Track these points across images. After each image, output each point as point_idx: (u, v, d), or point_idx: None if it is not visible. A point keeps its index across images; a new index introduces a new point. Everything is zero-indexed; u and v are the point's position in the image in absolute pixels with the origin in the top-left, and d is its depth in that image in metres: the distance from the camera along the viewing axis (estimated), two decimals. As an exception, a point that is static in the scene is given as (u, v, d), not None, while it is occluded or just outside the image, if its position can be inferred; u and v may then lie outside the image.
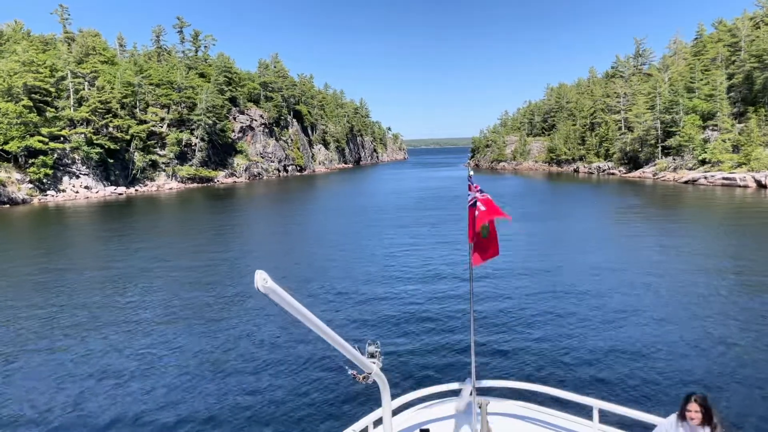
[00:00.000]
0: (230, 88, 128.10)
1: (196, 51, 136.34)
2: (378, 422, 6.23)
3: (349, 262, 30.59)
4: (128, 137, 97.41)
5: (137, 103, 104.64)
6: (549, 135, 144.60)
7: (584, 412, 6.99)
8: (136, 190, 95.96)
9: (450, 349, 16.78)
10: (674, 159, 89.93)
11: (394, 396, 6.12)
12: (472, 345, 7.05)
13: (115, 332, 19.28)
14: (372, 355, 5.02)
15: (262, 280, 3.38)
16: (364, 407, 11.85)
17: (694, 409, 5.61)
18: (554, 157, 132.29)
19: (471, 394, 6.95)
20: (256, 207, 71.23)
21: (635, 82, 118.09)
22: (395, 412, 6.71)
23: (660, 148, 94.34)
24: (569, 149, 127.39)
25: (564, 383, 13.44)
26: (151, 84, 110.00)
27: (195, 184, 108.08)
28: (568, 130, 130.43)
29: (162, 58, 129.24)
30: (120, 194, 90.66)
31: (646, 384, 13.91)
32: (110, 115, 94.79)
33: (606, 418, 6.73)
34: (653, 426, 6.13)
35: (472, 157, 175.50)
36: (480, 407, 6.63)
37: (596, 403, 6.68)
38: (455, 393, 7.47)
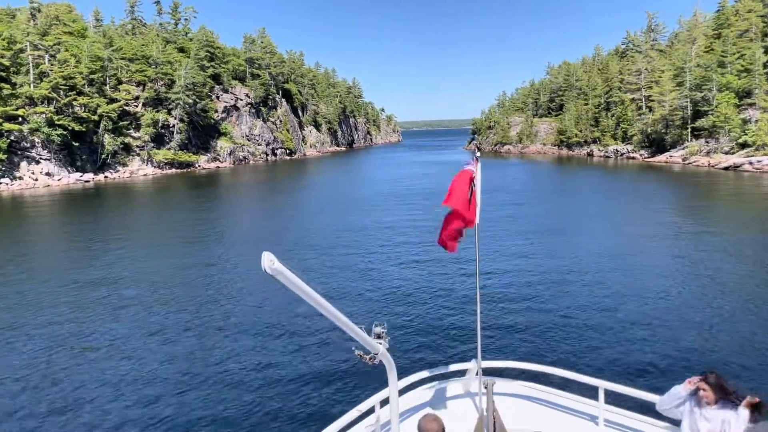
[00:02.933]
0: (213, 64, 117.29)
1: (176, 24, 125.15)
2: (384, 402, 6.20)
3: (351, 256, 28.33)
4: (96, 117, 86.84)
5: (107, 80, 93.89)
6: (557, 116, 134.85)
7: (590, 392, 6.78)
8: (106, 177, 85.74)
9: (456, 330, 16.93)
10: (707, 142, 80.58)
11: (400, 376, 5.93)
12: (478, 325, 7.12)
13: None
14: (378, 336, 4.90)
15: (269, 261, 3.31)
16: (371, 387, 11.48)
17: (704, 388, 5.31)
18: (564, 139, 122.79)
19: (477, 374, 7.03)
20: (242, 196, 62.84)
21: (654, 57, 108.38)
22: (402, 392, 6.70)
23: (689, 130, 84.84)
24: (581, 131, 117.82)
25: (570, 364, 13.35)
26: (123, 59, 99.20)
27: (173, 170, 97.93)
28: (579, 111, 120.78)
29: (137, 31, 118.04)
30: (87, 182, 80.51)
31: (653, 365, 13.90)
32: (74, 92, 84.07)
33: (612, 398, 6.59)
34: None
35: (473, 139, 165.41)
36: (486, 387, 6.29)
37: (602, 384, 6.48)
38: (461, 373, 7.48)
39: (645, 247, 27.85)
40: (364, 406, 6.46)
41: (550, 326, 16.97)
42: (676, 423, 5.84)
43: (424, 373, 7.21)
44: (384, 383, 5.74)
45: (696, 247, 27.44)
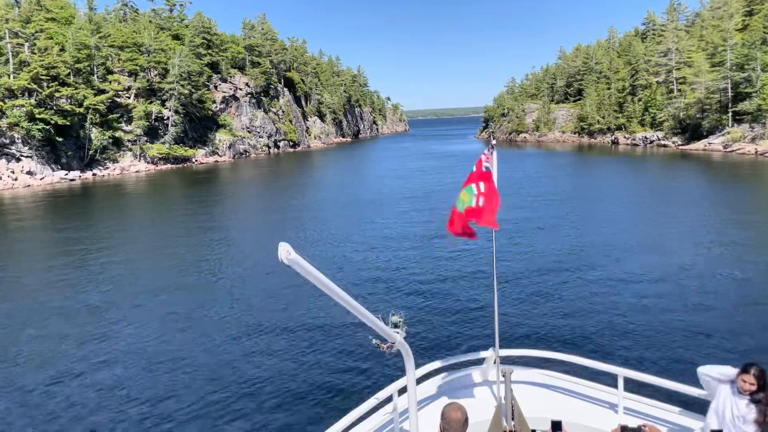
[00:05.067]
0: (209, 51, 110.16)
1: (171, 10, 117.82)
2: (402, 390, 6.02)
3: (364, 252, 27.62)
4: (82, 110, 79.93)
5: (94, 70, 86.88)
6: (576, 101, 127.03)
7: (609, 380, 6.62)
8: (94, 175, 78.96)
9: (473, 319, 16.99)
10: (752, 127, 73.02)
11: (418, 365, 5.94)
12: (495, 314, 7.04)
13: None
14: (396, 325, 4.91)
15: (285, 252, 3.27)
16: (389, 376, 12.04)
17: (749, 381, 5.20)
18: (585, 126, 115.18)
19: (495, 362, 6.94)
20: (243, 195, 56.87)
21: (682, 37, 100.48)
22: (419, 381, 6.68)
23: (730, 114, 77.24)
24: (603, 117, 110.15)
25: (589, 351, 13.44)
26: (112, 47, 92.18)
27: (168, 166, 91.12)
28: (601, 96, 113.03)
29: (129, 18, 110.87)
30: (72, 180, 73.91)
31: (673, 353, 13.89)
32: (57, 83, 77.14)
33: (631, 386, 6.44)
34: (680, 395, 6.06)
35: (485, 128, 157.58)
36: (504, 376, 6.33)
37: (621, 372, 6.33)
38: (479, 362, 7.47)
39: (675, 238, 26.96)
40: (382, 395, 6.39)
41: (568, 314, 17.09)
42: (698, 410, 5.85)
43: (442, 362, 7.10)
44: (402, 372, 5.73)
45: (744, 239, 26.07)
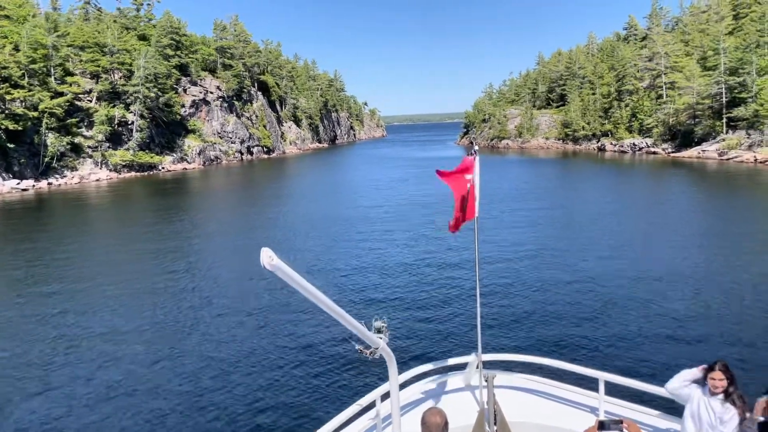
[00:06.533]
0: (178, 53, 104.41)
1: (138, 10, 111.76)
2: (385, 396, 6.02)
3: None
4: (37, 114, 73.84)
5: (51, 71, 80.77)
6: (559, 107, 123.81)
7: (591, 384, 6.67)
8: (50, 184, 72.87)
9: (456, 324, 17.03)
10: (748, 134, 69.91)
11: (401, 370, 5.80)
12: (478, 319, 7.19)
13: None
14: (379, 330, 4.86)
15: (268, 257, 3.24)
16: (372, 382, 11.95)
17: (719, 378, 5.21)
18: (570, 132, 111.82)
19: (477, 367, 6.97)
20: (213, 206, 52.10)
21: (669, 41, 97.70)
22: (402, 386, 6.72)
23: (724, 120, 74.13)
24: (589, 123, 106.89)
25: (571, 356, 13.60)
26: (71, 46, 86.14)
27: (132, 174, 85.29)
28: (586, 101, 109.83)
29: (92, 17, 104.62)
30: (25, 190, 67.94)
31: (654, 357, 14.09)
32: (7, 84, 70.99)
33: (612, 390, 6.51)
34: (660, 398, 6.04)
35: (466, 133, 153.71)
36: (486, 380, 6.35)
37: (602, 375, 6.44)
38: (462, 366, 7.39)
39: (665, 245, 27.23)
40: (364, 401, 6.37)
41: (550, 319, 17.19)
42: (677, 413, 5.85)
43: (425, 367, 7.19)
44: (384, 377, 5.60)
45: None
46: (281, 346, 15.96)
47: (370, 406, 6.33)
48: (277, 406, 12.35)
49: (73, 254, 30.76)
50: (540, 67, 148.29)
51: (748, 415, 5.04)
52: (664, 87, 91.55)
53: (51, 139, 75.28)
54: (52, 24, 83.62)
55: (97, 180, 78.88)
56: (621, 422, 5.22)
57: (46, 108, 74.69)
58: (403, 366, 5.93)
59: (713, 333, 15.61)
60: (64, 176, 76.33)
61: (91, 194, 64.65)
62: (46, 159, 74.50)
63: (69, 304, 21.32)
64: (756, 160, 64.66)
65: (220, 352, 15.74)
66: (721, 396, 5.19)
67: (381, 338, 4.77)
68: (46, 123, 74.66)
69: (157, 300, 21.23)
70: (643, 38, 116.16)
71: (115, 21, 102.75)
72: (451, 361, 7.29)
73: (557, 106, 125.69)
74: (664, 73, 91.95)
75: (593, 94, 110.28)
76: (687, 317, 16.84)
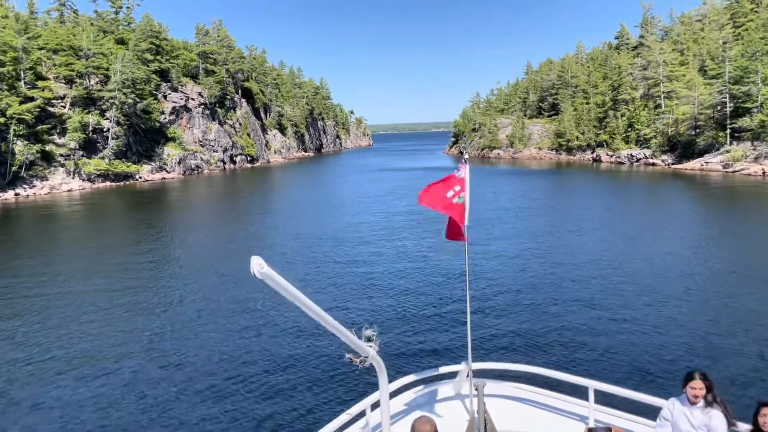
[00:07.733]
0: (158, 58, 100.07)
1: (117, 13, 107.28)
2: (375, 405, 6.05)
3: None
4: (5, 120, 69.15)
5: (21, 75, 76.13)
6: (551, 116, 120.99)
7: (580, 392, 6.73)
8: (17, 195, 68.10)
9: (446, 333, 16.90)
10: (754, 145, 67.13)
11: (391, 379, 5.79)
12: (468, 328, 7.09)
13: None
14: (369, 339, 4.83)
15: (258, 265, 3.24)
16: (362, 391, 11.85)
17: (698, 386, 5.17)
18: (563, 143, 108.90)
19: (467, 376, 6.93)
20: (191, 220, 47.62)
21: (666, 49, 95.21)
22: (392, 395, 6.64)
23: (728, 131, 71.35)
24: (583, 133, 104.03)
25: (560, 365, 13.45)
26: (43, 49, 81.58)
27: (108, 184, 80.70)
28: (580, 111, 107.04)
29: (68, 20, 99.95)
30: (-11, 202, 63.05)
31: (643, 365, 14.09)
32: (-28, 88, 66.34)
33: (602, 398, 6.52)
34: (649, 406, 6.06)
35: (455, 143, 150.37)
36: (476, 389, 6.35)
37: (592, 384, 6.47)
38: (452, 375, 7.41)
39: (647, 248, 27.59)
40: (354, 410, 6.32)
41: (540, 328, 17.08)
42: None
43: (415, 376, 7.11)
44: (374, 386, 5.59)
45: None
46: (269, 355, 15.76)
47: (360, 415, 6.30)
48: (266, 416, 12.23)
49: (41, 270, 28.05)
50: (530, 76, 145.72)
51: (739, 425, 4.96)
52: (662, 96, 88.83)
53: (20, 146, 70.54)
54: (23, 25, 79.06)
55: (69, 190, 74.16)
56: (610, 430, 5.49)
57: (14, 114, 69.97)
58: (393, 375, 5.88)
59: (702, 344, 15.52)
60: (33, 186, 71.55)
61: (62, 206, 60.28)
62: (14, 168, 69.63)
63: (35, 325, 19.30)
64: (765, 173, 61.80)
65: (207, 363, 15.39)
66: (701, 403, 5.16)
67: (371, 347, 4.70)
68: (15, 130, 69.90)
69: (135, 316, 20.05)
70: (635, 47, 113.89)
71: (92, 24, 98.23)
72: (442, 370, 7.27)
73: (549, 116, 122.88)
74: (662, 82, 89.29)
75: (587, 103, 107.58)
76: (677, 328, 16.81)
